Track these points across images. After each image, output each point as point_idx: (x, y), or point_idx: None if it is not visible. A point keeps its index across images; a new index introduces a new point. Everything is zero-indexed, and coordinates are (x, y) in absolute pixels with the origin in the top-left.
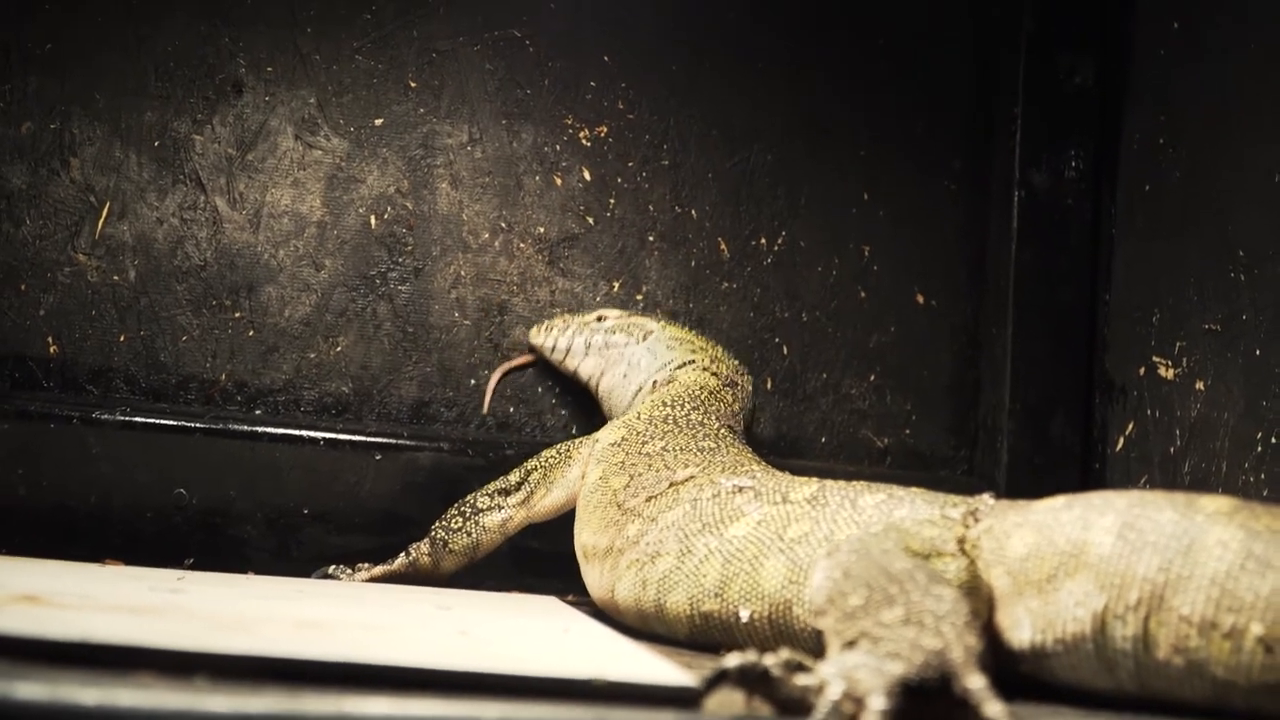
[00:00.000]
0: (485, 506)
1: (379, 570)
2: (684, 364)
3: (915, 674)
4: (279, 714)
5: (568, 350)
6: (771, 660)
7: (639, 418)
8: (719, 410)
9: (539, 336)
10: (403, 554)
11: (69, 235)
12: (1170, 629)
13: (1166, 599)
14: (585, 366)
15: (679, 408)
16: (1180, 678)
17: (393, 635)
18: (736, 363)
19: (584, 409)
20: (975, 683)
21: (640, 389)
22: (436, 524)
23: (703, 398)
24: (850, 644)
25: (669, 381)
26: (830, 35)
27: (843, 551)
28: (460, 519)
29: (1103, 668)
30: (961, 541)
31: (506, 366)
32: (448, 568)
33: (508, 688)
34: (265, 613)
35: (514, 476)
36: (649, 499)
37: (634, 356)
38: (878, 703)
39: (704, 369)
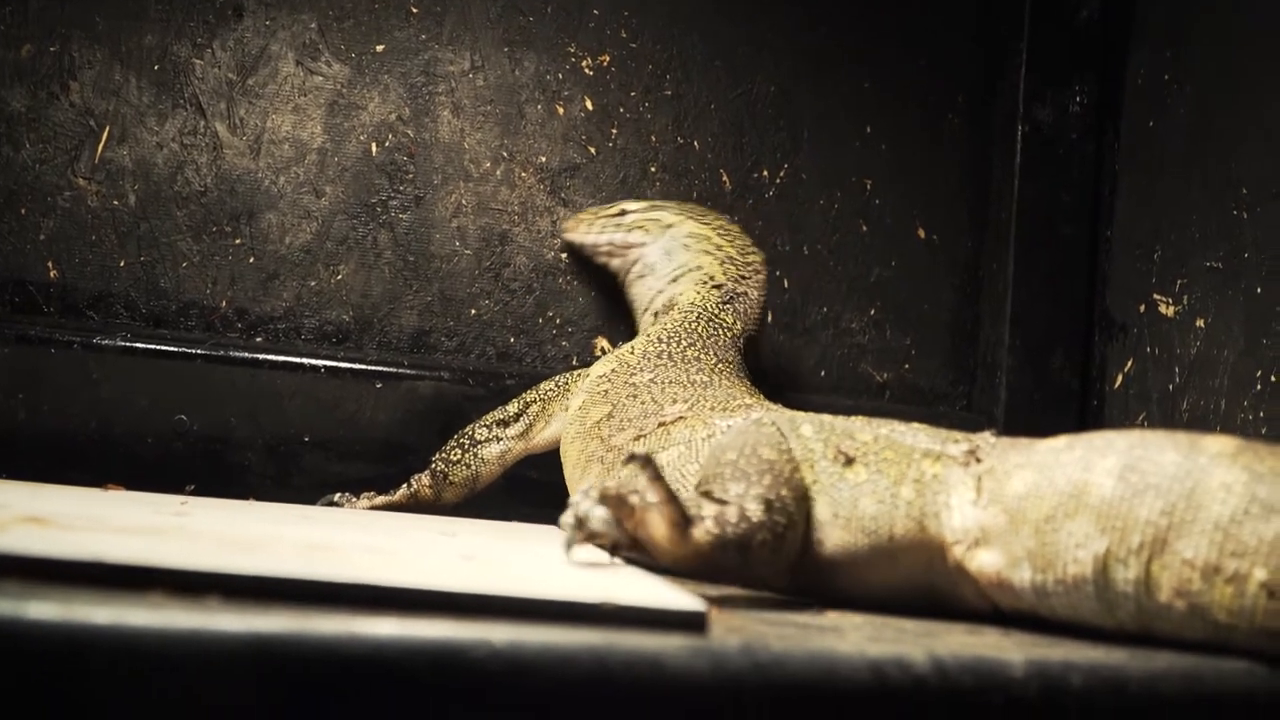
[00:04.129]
0: (484, 438)
1: (380, 500)
2: (690, 273)
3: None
4: (289, 633)
5: (594, 247)
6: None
7: (632, 352)
8: (718, 340)
9: (570, 234)
10: (404, 485)
11: (69, 159)
12: (1173, 572)
13: (1169, 542)
14: (611, 266)
15: (674, 343)
16: (1182, 621)
17: (399, 559)
18: (753, 258)
19: (584, 340)
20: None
21: (657, 292)
22: (437, 456)
23: (699, 329)
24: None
25: (669, 308)
26: None
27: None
28: (459, 450)
29: (1103, 609)
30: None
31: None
32: (448, 499)
33: (516, 610)
34: (273, 535)
35: (512, 408)
36: (637, 437)
37: (649, 257)
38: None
39: (706, 282)
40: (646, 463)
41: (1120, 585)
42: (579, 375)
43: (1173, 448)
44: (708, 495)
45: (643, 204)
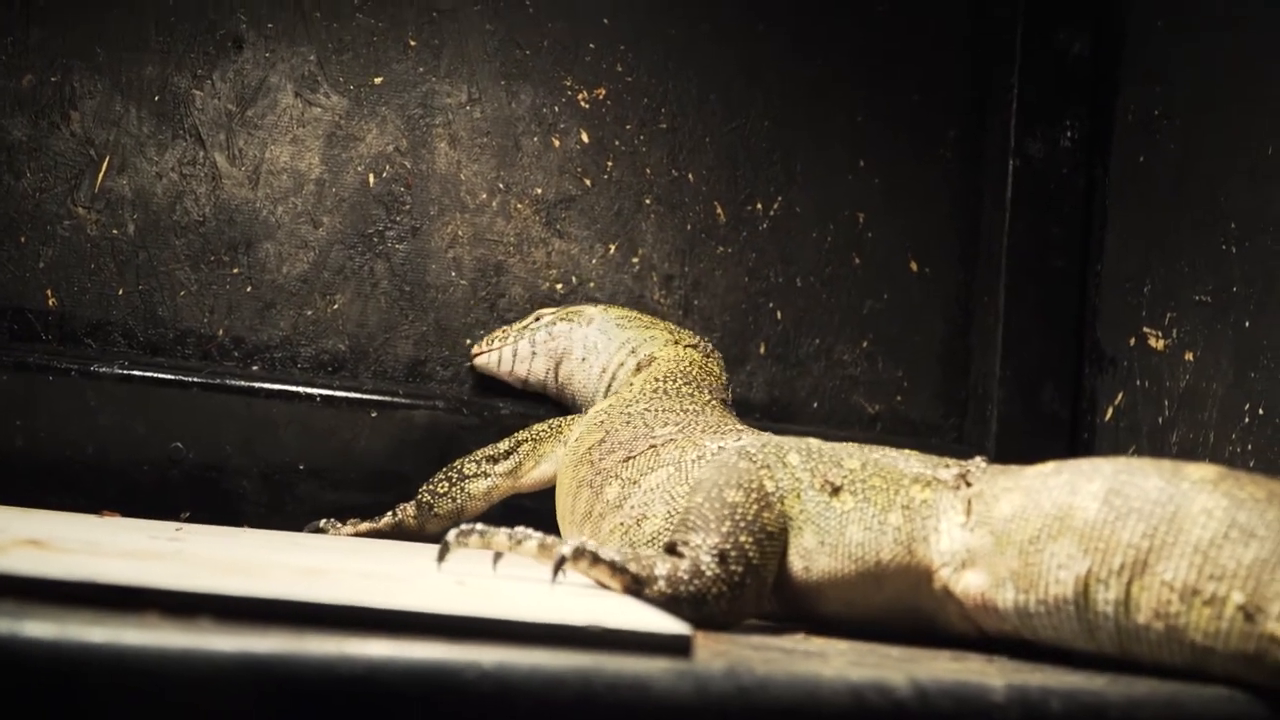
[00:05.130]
0: (472, 473)
1: (365, 527)
2: (646, 339)
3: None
4: (282, 653)
5: (514, 357)
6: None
7: (630, 389)
8: (708, 383)
9: (482, 356)
10: (389, 513)
11: (69, 188)
12: (1152, 594)
13: (1150, 565)
14: (536, 367)
15: (670, 381)
16: (1160, 642)
17: (392, 583)
18: (691, 331)
19: None
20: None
21: (605, 369)
22: (424, 487)
23: (692, 373)
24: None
25: (651, 361)
26: (828, 2)
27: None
28: (446, 484)
29: (1083, 630)
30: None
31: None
32: (432, 530)
33: (505, 633)
34: (266, 560)
35: (504, 445)
36: (626, 459)
37: (587, 339)
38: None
39: (675, 342)
40: (578, 554)
41: (1100, 606)
42: (574, 420)
43: (1156, 473)
44: (670, 547)
45: (557, 307)
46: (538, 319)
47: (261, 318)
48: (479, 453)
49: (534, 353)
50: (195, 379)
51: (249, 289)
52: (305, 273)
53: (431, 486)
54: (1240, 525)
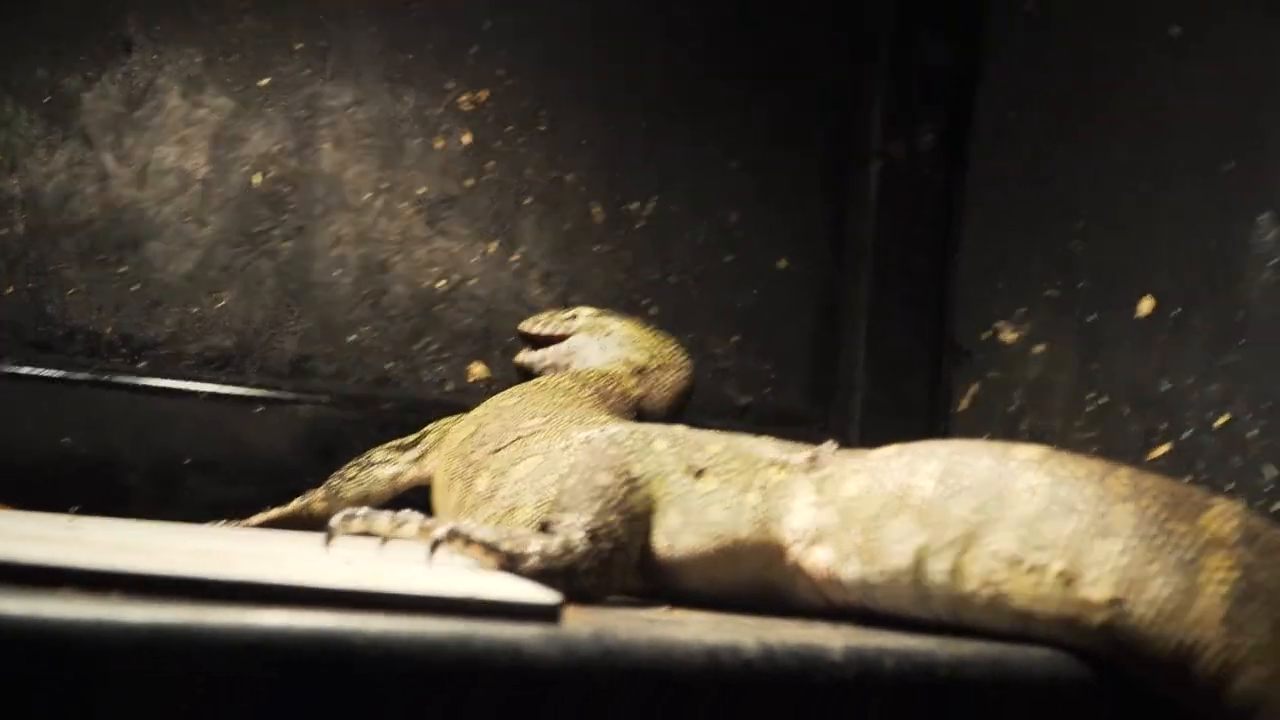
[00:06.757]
0: (380, 460)
1: (274, 513)
2: (616, 361)
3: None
4: (187, 623)
5: (543, 358)
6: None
7: (514, 388)
8: (605, 389)
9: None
10: (298, 499)
11: None
12: (981, 564)
13: (979, 537)
14: (559, 366)
15: (555, 379)
16: (986, 608)
17: (284, 563)
18: (680, 359)
19: (460, 366)
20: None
21: None
22: (336, 472)
23: (589, 376)
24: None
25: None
26: (700, 7)
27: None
28: (356, 469)
29: (919, 598)
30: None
31: None
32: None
33: (389, 604)
34: (165, 544)
35: (412, 436)
36: (495, 451)
37: (587, 354)
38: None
39: (625, 362)
40: (453, 535)
41: (933, 576)
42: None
43: (987, 454)
44: (544, 525)
45: (594, 311)
46: (574, 318)
47: (148, 315)
48: (391, 443)
49: (554, 364)
50: (83, 376)
51: (136, 287)
52: (191, 271)
53: (341, 471)
54: (1061, 500)
